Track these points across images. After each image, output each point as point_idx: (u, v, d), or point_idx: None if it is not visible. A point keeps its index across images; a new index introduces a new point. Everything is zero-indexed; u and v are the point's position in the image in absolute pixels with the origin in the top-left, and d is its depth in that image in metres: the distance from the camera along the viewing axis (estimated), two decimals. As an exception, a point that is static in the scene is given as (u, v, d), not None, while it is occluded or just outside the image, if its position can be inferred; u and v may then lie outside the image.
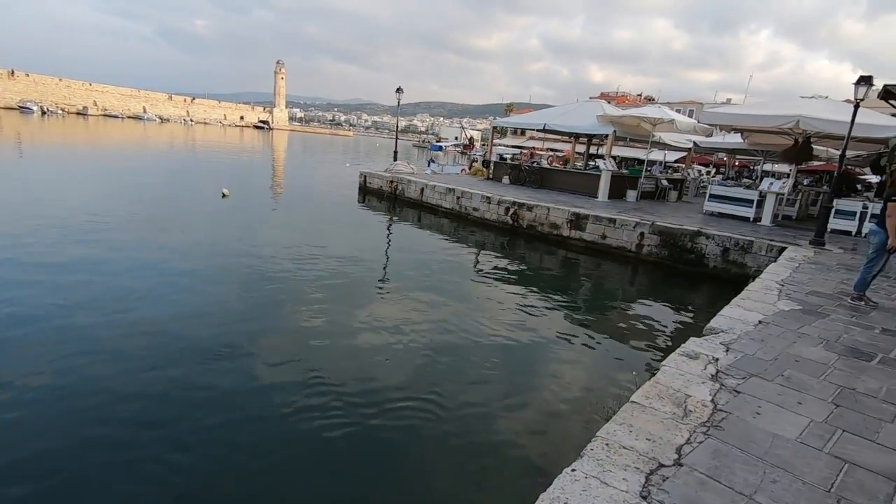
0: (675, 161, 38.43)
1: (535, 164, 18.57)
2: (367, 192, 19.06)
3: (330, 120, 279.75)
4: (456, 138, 77.28)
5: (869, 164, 16.41)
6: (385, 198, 18.04)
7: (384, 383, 4.92)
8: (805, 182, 19.14)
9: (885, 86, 22.50)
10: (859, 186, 17.98)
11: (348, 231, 12.93)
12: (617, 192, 15.53)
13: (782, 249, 9.56)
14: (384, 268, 10.07)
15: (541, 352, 6.32)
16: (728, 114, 12.31)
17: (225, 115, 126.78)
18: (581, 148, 22.38)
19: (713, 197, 13.34)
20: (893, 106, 21.37)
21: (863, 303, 5.76)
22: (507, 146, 47.10)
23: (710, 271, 10.49)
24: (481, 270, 10.53)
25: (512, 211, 13.62)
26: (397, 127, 24.78)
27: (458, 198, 15.19)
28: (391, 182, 17.91)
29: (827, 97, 12.30)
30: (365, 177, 19.43)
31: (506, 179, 18.09)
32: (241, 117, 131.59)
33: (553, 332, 6.90)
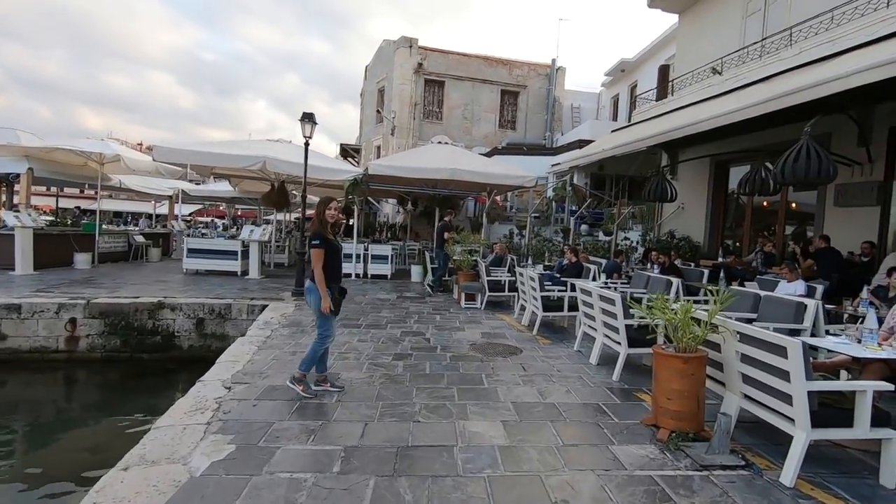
0: (191, 214, 34.76)
1: None
2: None
3: None
4: None
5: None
6: None
7: None
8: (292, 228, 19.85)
9: (342, 144, 26.05)
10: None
11: None
12: (58, 259, 10.56)
13: (264, 308, 7.88)
14: None
15: None
16: (186, 150, 10.01)
17: None
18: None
19: (192, 251, 10.75)
20: (350, 161, 24.87)
21: (326, 385, 4.13)
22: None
23: (187, 354, 7.68)
24: None
25: None
26: None
27: None
28: None
29: (290, 141, 12.06)
30: None
31: None
32: None
33: None
